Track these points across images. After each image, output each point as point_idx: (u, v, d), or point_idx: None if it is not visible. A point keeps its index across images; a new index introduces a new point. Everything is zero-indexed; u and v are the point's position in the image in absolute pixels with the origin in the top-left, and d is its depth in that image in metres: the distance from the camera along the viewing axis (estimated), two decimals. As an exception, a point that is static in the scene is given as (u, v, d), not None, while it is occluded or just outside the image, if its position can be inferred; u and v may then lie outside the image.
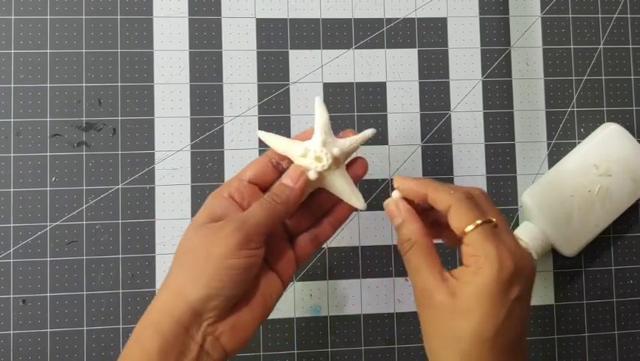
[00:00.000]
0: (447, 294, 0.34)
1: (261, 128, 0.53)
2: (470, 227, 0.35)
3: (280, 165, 0.40)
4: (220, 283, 0.35)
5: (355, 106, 0.54)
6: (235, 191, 0.39)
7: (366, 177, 0.53)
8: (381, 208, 0.53)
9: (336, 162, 0.39)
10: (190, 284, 0.35)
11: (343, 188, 0.40)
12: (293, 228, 0.41)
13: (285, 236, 0.41)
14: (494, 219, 0.36)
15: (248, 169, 0.40)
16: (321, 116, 0.39)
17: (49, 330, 0.49)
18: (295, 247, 0.41)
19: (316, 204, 0.41)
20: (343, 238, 0.52)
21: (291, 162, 0.40)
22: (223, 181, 0.52)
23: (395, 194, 0.39)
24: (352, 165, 0.41)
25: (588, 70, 0.56)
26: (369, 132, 0.40)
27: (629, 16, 0.56)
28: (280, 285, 0.39)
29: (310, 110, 0.53)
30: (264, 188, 0.40)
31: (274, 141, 0.40)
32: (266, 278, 0.39)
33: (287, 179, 0.39)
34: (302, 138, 0.40)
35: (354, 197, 0.40)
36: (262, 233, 0.36)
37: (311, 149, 0.38)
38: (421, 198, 0.38)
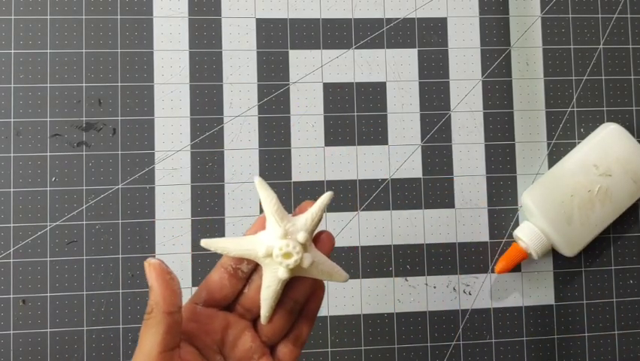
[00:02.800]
0: None
1: (261, 128, 0.53)
2: None
3: (239, 271, 0.34)
4: None
5: (355, 106, 0.54)
6: (187, 322, 0.33)
7: (366, 176, 0.53)
8: (380, 208, 0.53)
9: (305, 248, 0.33)
10: None
11: (320, 271, 0.34)
12: (272, 335, 0.35)
13: (263, 349, 0.35)
14: None
15: (201, 288, 0.34)
16: (269, 200, 0.33)
17: (49, 330, 0.49)
18: (278, 359, 0.35)
19: (291, 299, 0.35)
20: (343, 237, 0.52)
21: (251, 262, 0.34)
22: (223, 181, 0.52)
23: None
24: (318, 242, 0.35)
25: (588, 70, 0.56)
26: (326, 197, 0.34)
27: (629, 16, 0.56)
28: None
29: (310, 110, 0.53)
30: (229, 303, 0.35)
31: (222, 246, 0.33)
32: None
33: (149, 280, 0.31)
34: (255, 230, 0.34)
35: (335, 274, 0.34)
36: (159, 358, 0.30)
37: (274, 245, 0.32)
38: None
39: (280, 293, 0.33)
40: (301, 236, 0.33)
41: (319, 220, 0.34)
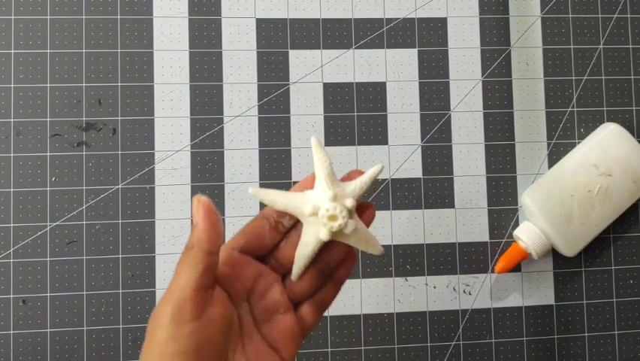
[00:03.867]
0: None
1: (261, 128, 0.53)
2: None
3: (280, 225, 0.34)
4: None
5: (355, 106, 0.54)
6: (222, 265, 0.32)
7: (366, 177, 0.53)
8: (380, 208, 0.53)
9: (350, 214, 0.33)
10: None
11: (359, 239, 0.34)
12: (299, 293, 0.35)
13: (290, 306, 0.35)
14: None
15: (241, 235, 0.34)
16: (323, 162, 0.33)
17: (49, 330, 0.49)
18: (300, 317, 0.35)
19: (324, 262, 0.35)
20: (343, 238, 0.52)
21: (292, 217, 0.34)
22: (223, 181, 0.52)
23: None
24: (361, 213, 0.35)
25: (588, 70, 0.56)
26: (377, 169, 0.34)
27: (629, 16, 0.56)
28: None
29: (310, 110, 0.53)
30: (264, 254, 0.34)
31: (270, 197, 0.33)
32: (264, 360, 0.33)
33: (195, 219, 0.31)
34: (302, 188, 0.34)
35: (370, 245, 0.35)
36: (192, 297, 0.29)
37: (321, 206, 0.32)
38: None
39: (315, 253, 0.33)
40: (349, 202, 0.33)
41: (366, 190, 0.34)
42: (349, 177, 0.34)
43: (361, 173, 0.34)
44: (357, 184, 0.34)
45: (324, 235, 0.33)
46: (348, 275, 0.36)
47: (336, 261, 0.35)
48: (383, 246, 0.52)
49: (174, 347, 0.29)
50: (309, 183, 0.34)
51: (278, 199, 0.33)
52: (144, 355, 0.29)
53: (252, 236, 0.34)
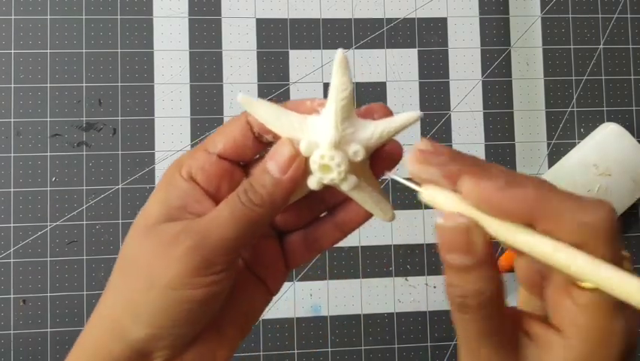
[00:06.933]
0: None
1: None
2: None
3: (262, 138, 0.27)
4: (168, 322, 0.25)
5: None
6: (199, 170, 0.26)
7: (366, 177, 0.53)
8: (381, 208, 0.53)
9: (355, 169, 0.25)
10: (128, 319, 0.25)
11: (361, 197, 0.27)
12: (280, 222, 0.29)
13: (272, 232, 0.29)
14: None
15: (218, 137, 0.27)
16: (342, 89, 0.25)
17: (49, 330, 0.49)
18: (285, 249, 0.29)
19: (318, 197, 0.28)
20: (343, 238, 0.52)
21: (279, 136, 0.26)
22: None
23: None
24: (377, 155, 0.27)
25: (588, 70, 0.56)
26: (411, 116, 0.26)
27: (629, 16, 0.56)
28: (266, 295, 0.29)
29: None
30: (243, 163, 0.28)
31: (262, 113, 0.26)
32: (246, 289, 0.28)
33: (272, 163, 0.25)
34: (306, 108, 0.26)
35: (378, 208, 0.27)
36: (230, 252, 0.25)
37: (319, 147, 0.25)
38: (516, 217, 0.23)
39: (304, 192, 0.27)
40: (355, 153, 0.25)
41: (389, 138, 0.26)
42: (368, 111, 0.27)
43: (387, 112, 0.26)
44: (378, 131, 0.26)
45: (312, 185, 0.25)
46: (355, 224, 0.29)
47: (335, 202, 0.29)
48: (383, 246, 0.52)
49: (184, 295, 0.24)
50: (317, 107, 0.26)
51: (270, 119, 0.26)
52: (137, 285, 0.25)
53: (231, 143, 0.27)
